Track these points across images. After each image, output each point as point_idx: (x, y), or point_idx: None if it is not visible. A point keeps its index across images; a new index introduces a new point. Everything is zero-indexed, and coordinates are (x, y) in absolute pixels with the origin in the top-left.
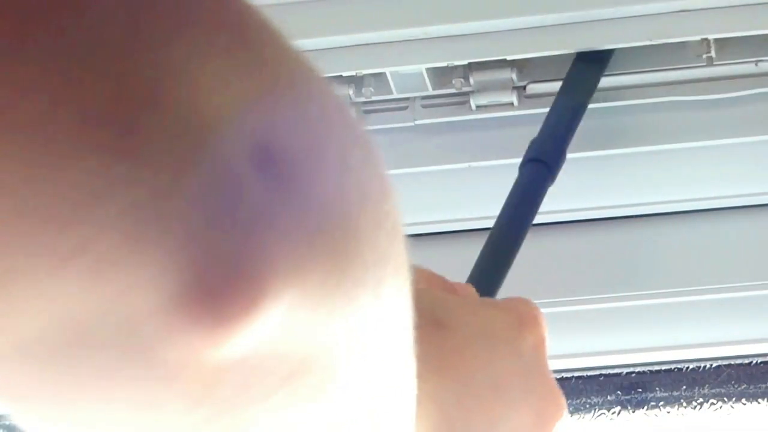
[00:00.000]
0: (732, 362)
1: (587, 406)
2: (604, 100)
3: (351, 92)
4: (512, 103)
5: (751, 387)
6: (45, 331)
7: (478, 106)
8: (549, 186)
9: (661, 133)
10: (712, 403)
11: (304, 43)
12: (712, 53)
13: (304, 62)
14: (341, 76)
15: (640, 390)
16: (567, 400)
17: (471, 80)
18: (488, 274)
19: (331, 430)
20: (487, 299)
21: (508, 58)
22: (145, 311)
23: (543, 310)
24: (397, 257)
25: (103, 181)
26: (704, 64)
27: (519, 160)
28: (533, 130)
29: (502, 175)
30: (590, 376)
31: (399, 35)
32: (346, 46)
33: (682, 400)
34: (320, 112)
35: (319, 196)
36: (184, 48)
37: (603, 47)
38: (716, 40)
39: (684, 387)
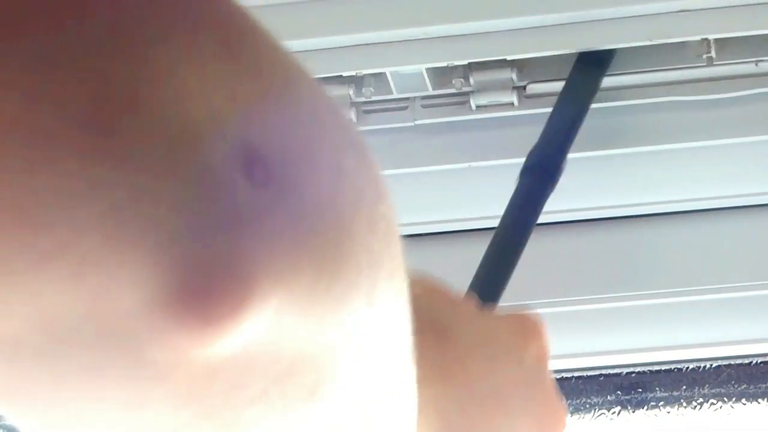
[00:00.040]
0: (732, 362)
1: (587, 406)
2: (605, 100)
3: (351, 92)
4: (512, 104)
5: (751, 387)
6: (25, 331)
7: (478, 106)
8: (550, 193)
9: (661, 133)
10: (712, 403)
11: (304, 44)
12: (712, 53)
13: (296, 64)
14: (341, 76)
15: (640, 390)
16: (567, 400)
17: (471, 80)
18: (489, 283)
19: (324, 430)
20: (488, 311)
21: (508, 58)
22: (127, 312)
23: (543, 310)
24: (392, 260)
25: (84, 182)
26: (704, 64)
27: (519, 161)
28: (533, 130)
29: (502, 175)
30: (590, 376)
31: (399, 35)
32: (346, 46)
33: (682, 400)
34: (312, 115)
35: (311, 197)
36: (171, 50)
37: (603, 47)
38: (716, 40)
39: (684, 387)
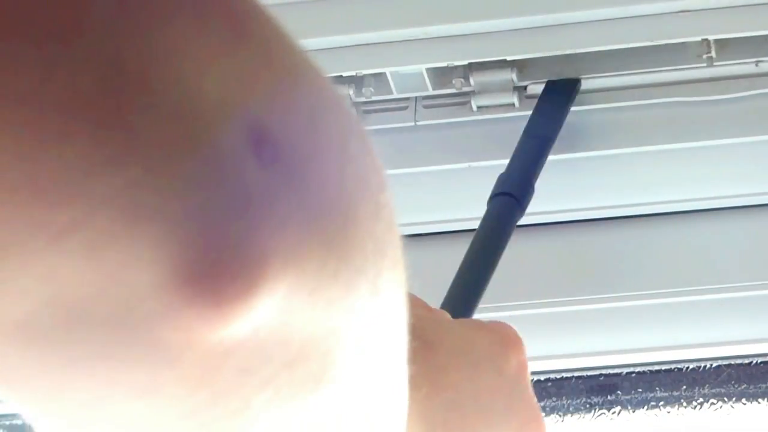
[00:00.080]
0: (732, 362)
1: (587, 406)
2: (605, 101)
3: (351, 92)
4: (513, 104)
5: (751, 387)
6: (38, 311)
7: (479, 107)
8: (519, 218)
9: (661, 133)
10: (712, 403)
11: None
12: (712, 53)
13: (301, 50)
14: (341, 76)
15: (640, 390)
16: (567, 400)
17: (471, 81)
18: (460, 305)
19: (327, 422)
20: (467, 320)
21: (508, 58)
22: (141, 291)
23: (543, 311)
24: (394, 250)
25: (99, 159)
26: (704, 64)
27: None
28: None
29: None
30: (590, 376)
31: (399, 35)
32: (346, 46)
33: (682, 400)
34: (321, 101)
35: (320, 181)
36: (181, 30)
37: (604, 47)
38: (716, 40)
39: (684, 387)
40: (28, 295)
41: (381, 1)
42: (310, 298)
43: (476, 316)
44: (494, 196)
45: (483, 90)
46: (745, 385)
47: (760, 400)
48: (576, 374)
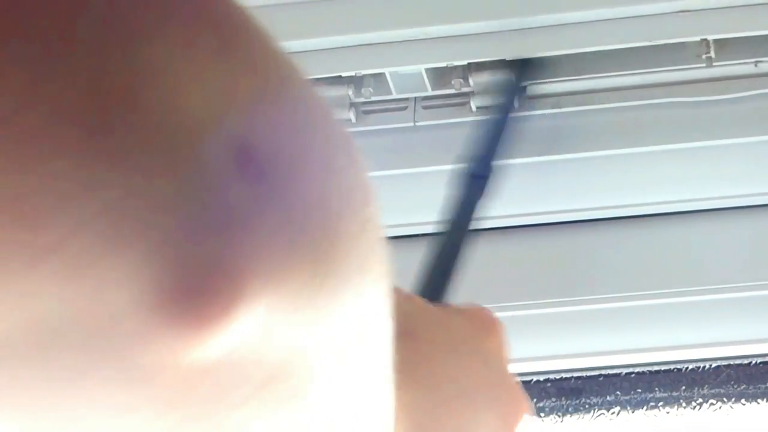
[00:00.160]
0: (732, 362)
1: (587, 406)
2: (605, 101)
3: (350, 92)
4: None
5: (751, 387)
6: (13, 333)
7: (478, 108)
8: (479, 198)
9: (661, 133)
10: (712, 404)
11: (304, 44)
12: (712, 53)
13: (289, 62)
14: (340, 76)
15: (640, 390)
16: (566, 400)
17: (471, 81)
18: (432, 288)
19: None
20: (444, 306)
21: (508, 58)
22: (120, 312)
23: (544, 311)
24: (378, 264)
25: (76, 181)
26: (704, 64)
27: (519, 161)
28: (534, 131)
29: None
30: (590, 377)
31: (399, 35)
32: (345, 47)
33: (681, 400)
34: (306, 115)
35: (303, 197)
36: (165, 46)
37: (604, 47)
38: (716, 40)
39: (684, 387)
40: (3, 317)
41: (380, 1)
42: (292, 315)
43: None
44: (458, 177)
45: (482, 90)
46: (744, 386)
47: (759, 400)
48: (575, 374)
